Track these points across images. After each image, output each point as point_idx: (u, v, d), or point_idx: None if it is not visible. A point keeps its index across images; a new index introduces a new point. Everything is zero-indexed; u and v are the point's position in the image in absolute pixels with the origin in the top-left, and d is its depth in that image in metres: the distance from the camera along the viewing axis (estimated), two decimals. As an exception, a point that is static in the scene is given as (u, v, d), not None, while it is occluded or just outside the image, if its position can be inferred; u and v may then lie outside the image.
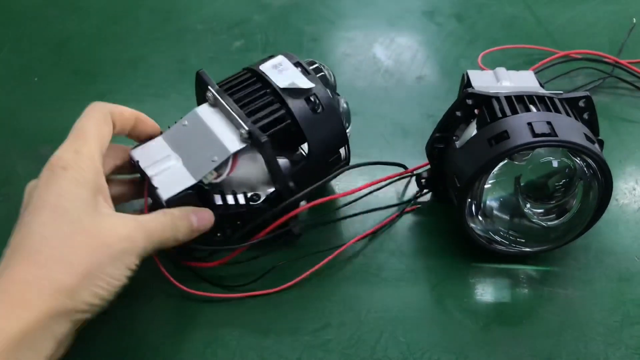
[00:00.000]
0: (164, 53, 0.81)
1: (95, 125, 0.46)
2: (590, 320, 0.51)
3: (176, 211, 0.48)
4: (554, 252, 0.55)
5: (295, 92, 0.51)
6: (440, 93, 0.75)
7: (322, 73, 0.56)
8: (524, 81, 0.59)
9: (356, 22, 0.87)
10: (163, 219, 0.46)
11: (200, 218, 0.49)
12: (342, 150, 0.55)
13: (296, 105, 0.51)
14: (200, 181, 0.49)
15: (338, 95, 0.59)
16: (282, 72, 0.52)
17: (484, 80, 0.59)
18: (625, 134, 0.70)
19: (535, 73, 0.72)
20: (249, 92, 0.52)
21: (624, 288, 0.54)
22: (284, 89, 0.51)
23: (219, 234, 0.52)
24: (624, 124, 0.71)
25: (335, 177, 0.54)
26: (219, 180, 0.50)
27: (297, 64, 0.53)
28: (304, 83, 0.51)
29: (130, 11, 0.89)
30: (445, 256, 0.56)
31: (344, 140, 0.54)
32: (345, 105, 0.59)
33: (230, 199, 0.51)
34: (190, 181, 0.49)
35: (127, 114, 0.50)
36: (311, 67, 0.55)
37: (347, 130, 0.57)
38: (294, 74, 0.52)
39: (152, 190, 0.49)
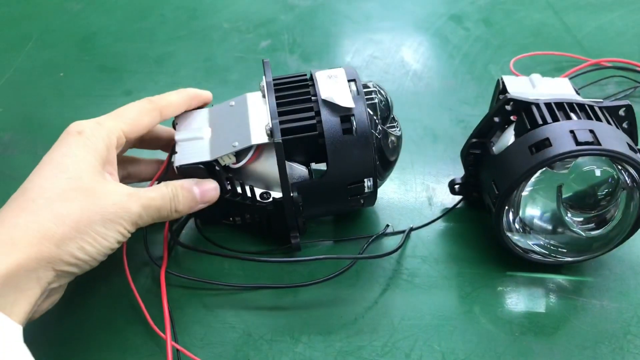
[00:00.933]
0: (190, 51, 0.80)
1: (136, 111, 0.49)
2: (627, 332, 0.50)
3: (178, 182, 0.49)
4: (588, 262, 0.55)
5: (334, 107, 0.50)
6: (470, 98, 0.74)
7: (372, 98, 0.54)
8: (560, 88, 0.58)
9: (383, 25, 0.86)
10: (163, 189, 0.47)
11: (203, 190, 0.50)
12: (368, 182, 0.52)
13: (329, 120, 0.49)
14: (216, 160, 0.50)
15: (394, 123, 0.57)
16: (332, 84, 0.51)
17: (520, 87, 0.58)
18: (657, 144, 0.69)
19: (567, 80, 0.72)
20: (293, 93, 0.51)
21: (662, 300, 0.53)
22: (324, 101, 0.50)
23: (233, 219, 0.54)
24: (656, 134, 0.70)
25: (338, 212, 0.54)
26: (236, 166, 0.51)
27: (351, 81, 0.52)
28: (344, 101, 0.49)
29: (155, 7, 0.88)
30: (478, 263, 0.55)
31: (369, 172, 0.51)
32: (395, 137, 0.56)
33: (238, 188, 0.51)
34: (205, 157, 0.50)
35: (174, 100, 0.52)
36: (365, 89, 0.53)
37: (392, 159, 0.56)
38: (340, 89, 0.51)
39: (172, 154, 0.51)
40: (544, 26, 0.87)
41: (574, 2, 0.93)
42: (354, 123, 0.49)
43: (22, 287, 0.39)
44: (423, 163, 0.64)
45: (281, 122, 0.49)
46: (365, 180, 0.51)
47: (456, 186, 0.59)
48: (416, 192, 0.61)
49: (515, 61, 0.75)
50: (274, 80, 0.52)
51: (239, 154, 0.50)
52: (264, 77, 0.52)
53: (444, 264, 0.55)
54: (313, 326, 0.50)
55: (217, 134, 0.51)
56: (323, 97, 0.50)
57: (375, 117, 0.52)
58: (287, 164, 0.49)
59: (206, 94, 0.55)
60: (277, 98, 0.50)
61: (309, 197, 0.51)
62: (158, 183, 0.50)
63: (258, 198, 0.52)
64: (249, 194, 0.52)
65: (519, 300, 0.53)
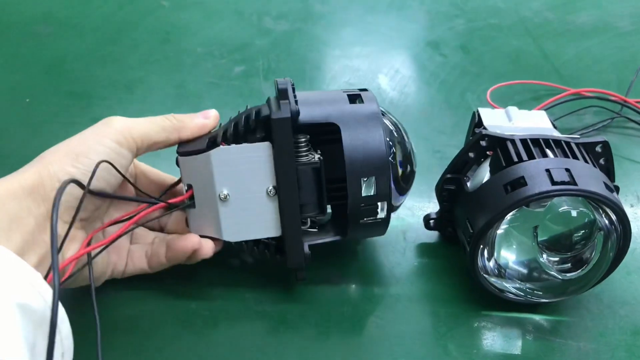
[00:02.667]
0: (161, 76, 0.78)
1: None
2: (606, 376, 0.49)
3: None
4: (565, 301, 0.53)
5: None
6: (446, 127, 0.73)
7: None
8: (537, 121, 0.58)
9: (360, 51, 0.85)
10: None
11: (205, 113, 0.51)
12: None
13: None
14: None
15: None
16: None
17: (495, 120, 0.57)
18: (635, 176, 0.68)
19: (545, 110, 0.71)
20: None
21: (639, 342, 0.52)
22: None
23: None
24: (633, 165, 0.69)
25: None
26: None
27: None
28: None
29: (127, 31, 0.87)
30: (453, 302, 0.54)
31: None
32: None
33: None
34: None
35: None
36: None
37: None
38: None
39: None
40: (522, 53, 0.87)
41: (553, 29, 0.92)
42: None
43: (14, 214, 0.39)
44: (398, 195, 0.62)
45: None
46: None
47: (431, 221, 0.57)
48: (391, 227, 0.59)
49: (492, 90, 0.74)
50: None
51: None
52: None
53: (418, 302, 0.54)
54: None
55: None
56: None
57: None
58: None
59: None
60: None
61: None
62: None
63: None
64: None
65: (494, 341, 0.51)
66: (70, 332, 0.36)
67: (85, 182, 0.42)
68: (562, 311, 0.53)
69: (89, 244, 0.45)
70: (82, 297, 0.45)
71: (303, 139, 0.48)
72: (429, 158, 0.68)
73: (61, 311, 0.35)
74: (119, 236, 0.45)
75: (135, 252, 0.51)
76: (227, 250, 0.55)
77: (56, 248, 0.35)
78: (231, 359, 0.49)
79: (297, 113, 0.46)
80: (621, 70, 0.83)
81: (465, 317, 0.53)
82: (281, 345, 0.50)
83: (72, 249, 0.44)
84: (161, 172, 0.55)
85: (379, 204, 0.49)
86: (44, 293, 0.34)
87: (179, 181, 0.51)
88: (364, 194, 0.48)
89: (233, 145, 0.47)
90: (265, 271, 0.55)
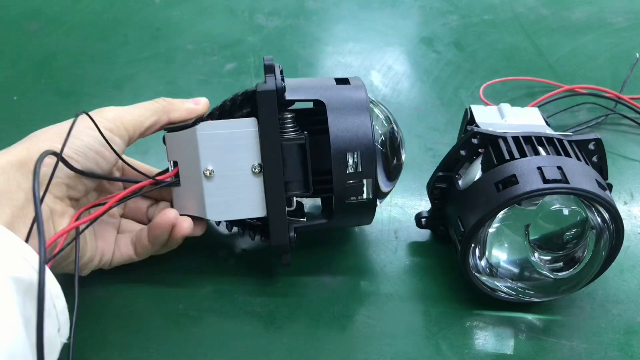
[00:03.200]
0: (152, 73, 0.77)
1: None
2: (598, 376, 0.49)
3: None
4: (558, 300, 0.53)
5: None
6: (439, 125, 0.72)
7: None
8: (530, 118, 0.57)
9: (353, 47, 0.85)
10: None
11: (195, 100, 0.52)
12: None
13: None
14: None
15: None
16: None
17: (488, 117, 0.56)
18: (629, 173, 0.67)
19: (539, 107, 0.70)
20: None
21: (632, 341, 0.51)
22: None
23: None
24: (627, 162, 0.69)
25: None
26: None
27: None
28: None
29: (118, 27, 0.86)
30: (444, 301, 0.53)
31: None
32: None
33: None
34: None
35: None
36: None
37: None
38: None
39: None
40: (516, 50, 0.86)
41: (547, 25, 0.91)
42: None
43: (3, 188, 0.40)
44: (391, 194, 0.62)
45: None
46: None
47: (423, 220, 0.57)
48: (382, 225, 0.59)
49: (486, 87, 0.74)
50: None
51: None
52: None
53: (409, 301, 0.53)
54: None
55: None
56: None
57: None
58: None
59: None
60: None
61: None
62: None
63: None
64: None
65: (486, 341, 0.51)
66: (65, 308, 0.37)
67: (73, 162, 0.44)
68: (555, 310, 0.53)
69: (77, 219, 0.45)
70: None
71: (289, 116, 0.48)
72: (422, 155, 0.67)
73: (56, 287, 0.37)
74: (108, 209, 0.45)
75: (121, 239, 0.52)
76: (216, 245, 0.54)
77: (40, 216, 0.34)
78: (219, 357, 0.48)
79: (283, 88, 0.46)
80: (616, 67, 0.82)
81: (457, 316, 0.52)
82: (270, 344, 0.49)
83: (63, 224, 0.44)
84: (150, 166, 0.55)
85: (365, 181, 0.48)
86: (37, 266, 0.34)
87: (166, 170, 0.51)
88: (349, 170, 0.48)
89: (218, 120, 0.48)
90: (255, 270, 0.55)
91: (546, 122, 0.56)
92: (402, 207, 0.61)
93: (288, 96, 0.47)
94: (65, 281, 0.44)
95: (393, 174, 0.54)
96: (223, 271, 0.55)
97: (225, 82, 0.76)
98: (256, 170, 0.48)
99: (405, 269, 0.56)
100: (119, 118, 0.48)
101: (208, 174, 0.48)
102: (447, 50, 0.85)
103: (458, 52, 0.84)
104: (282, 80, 0.47)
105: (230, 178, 0.48)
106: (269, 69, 0.47)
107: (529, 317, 0.52)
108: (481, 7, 0.94)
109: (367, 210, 0.51)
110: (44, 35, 0.83)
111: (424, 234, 0.59)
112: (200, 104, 0.52)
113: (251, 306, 0.52)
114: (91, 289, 0.52)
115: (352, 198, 0.49)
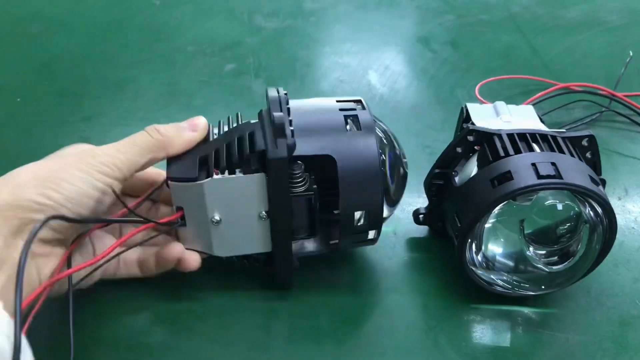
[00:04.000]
0: (153, 75, 0.78)
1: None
2: (592, 367, 0.50)
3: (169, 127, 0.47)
4: (554, 293, 0.54)
5: None
6: (436, 123, 0.73)
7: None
8: (524, 116, 0.58)
9: (351, 48, 0.86)
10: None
11: (193, 125, 0.48)
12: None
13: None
14: None
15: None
16: None
17: (483, 115, 0.57)
18: (623, 169, 0.68)
19: (534, 104, 0.71)
20: None
21: (626, 333, 0.52)
22: None
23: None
24: (622, 159, 0.70)
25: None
26: None
27: None
28: None
29: (119, 29, 0.87)
30: (442, 295, 0.54)
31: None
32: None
33: None
34: None
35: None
36: None
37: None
38: None
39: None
40: (512, 49, 0.87)
41: (542, 24, 0.93)
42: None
43: None
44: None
45: None
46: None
47: (420, 216, 0.58)
48: (381, 222, 0.60)
49: (481, 85, 0.75)
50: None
51: None
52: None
53: (408, 296, 0.54)
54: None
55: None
56: None
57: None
58: None
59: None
60: None
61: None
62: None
63: None
64: None
65: (483, 334, 0.52)
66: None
67: (66, 210, 0.41)
68: (550, 304, 0.54)
69: (68, 261, 0.44)
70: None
71: (298, 171, 0.47)
72: (419, 153, 0.69)
73: (29, 356, 0.33)
74: (106, 261, 0.45)
75: (127, 257, 0.50)
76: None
77: (20, 290, 0.33)
78: (221, 355, 0.49)
79: (294, 147, 0.45)
80: (610, 65, 0.84)
81: (455, 310, 0.53)
82: (271, 339, 0.50)
83: (49, 266, 0.42)
84: (161, 170, 0.53)
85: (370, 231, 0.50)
86: (6, 331, 0.32)
87: (161, 185, 0.51)
88: (356, 224, 0.49)
89: (227, 176, 0.46)
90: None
91: (541, 120, 0.57)
92: (401, 204, 0.62)
93: (298, 148, 0.46)
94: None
95: (395, 200, 0.55)
96: (225, 272, 0.56)
97: (226, 83, 0.77)
98: (263, 217, 0.48)
99: (403, 265, 0.57)
100: (112, 160, 0.44)
101: (215, 222, 0.48)
102: (443, 50, 0.86)
103: (454, 52, 0.86)
104: (292, 133, 0.46)
105: (237, 224, 0.48)
106: (279, 132, 0.45)
107: (525, 310, 0.53)
108: (477, 6, 0.96)
109: (371, 242, 0.52)
110: (45, 37, 0.84)
111: (422, 230, 0.60)
112: (198, 130, 0.48)
113: (254, 301, 0.53)
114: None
115: (356, 241, 0.51)
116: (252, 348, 0.50)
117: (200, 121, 0.49)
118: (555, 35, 0.90)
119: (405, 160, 0.55)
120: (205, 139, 0.49)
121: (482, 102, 0.70)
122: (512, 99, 0.76)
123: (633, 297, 0.55)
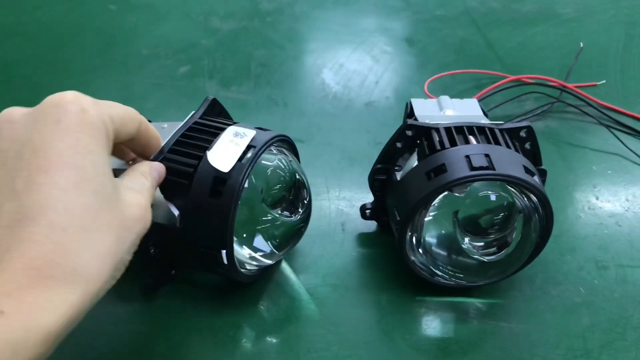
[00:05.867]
0: (107, 80, 0.79)
1: (124, 111, 0.39)
2: (534, 354, 0.50)
3: (143, 169, 0.42)
4: (499, 283, 0.54)
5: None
6: (389, 119, 0.74)
7: (264, 172, 0.50)
8: (468, 109, 0.59)
9: (307, 47, 0.86)
10: (146, 182, 0.41)
11: (158, 171, 0.44)
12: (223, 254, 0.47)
13: (203, 176, 0.46)
14: None
15: (297, 208, 0.54)
16: (228, 142, 0.47)
17: (427, 109, 0.58)
18: (572, 159, 0.69)
19: (485, 97, 0.72)
20: (198, 136, 0.48)
21: (568, 320, 0.53)
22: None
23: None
24: (572, 149, 0.71)
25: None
26: None
27: (251, 147, 0.47)
28: (221, 164, 0.46)
29: (75, 35, 0.87)
30: (388, 289, 0.55)
31: (222, 243, 0.46)
32: (284, 221, 0.52)
33: None
34: None
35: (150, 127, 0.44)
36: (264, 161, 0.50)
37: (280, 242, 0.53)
38: (230, 151, 0.47)
39: None
40: (467, 43, 0.88)
41: (497, 18, 0.94)
42: (224, 190, 0.45)
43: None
44: (338, 188, 0.64)
45: (168, 160, 0.46)
46: (222, 251, 0.47)
47: (367, 211, 0.58)
48: (330, 218, 0.61)
49: (434, 80, 0.75)
50: (201, 118, 0.50)
51: None
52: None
53: (354, 291, 0.55)
54: (215, 364, 0.49)
55: None
56: (208, 152, 0.46)
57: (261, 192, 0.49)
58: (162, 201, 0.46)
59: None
60: (183, 135, 0.48)
61: (169, 244, 0.49)
62: None
63: None
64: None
65: (427, 326, 0.52)
66: None
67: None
68: (496, 294, 0.55)
69: None
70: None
71: None
72: (371, 149, 0.69)
73: None
74: None
75: None
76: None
77: None
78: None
79: None
80: (563, 57, 0.85)
81: (401, 303, 0.54)
82: (217, 335, 0.51)
83: None
84: None
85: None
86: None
87: None
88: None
89: None
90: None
91: (484, 113, 0.58)
92: (350, 200, 0.63)
93: None
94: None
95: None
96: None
97: (179, 85, 0.77)
98: None
99: (351, 260, 0.57)
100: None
101: None
102: (398, 47, 0.87)
103: (409, 48, 0.86)
104: None
105: None
106: None
107: (471, 301, 0.54)
108: (433, 3, 0.97)
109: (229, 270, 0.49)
110: (0, 45, 0.84)
111: (370, 226, 0.60)
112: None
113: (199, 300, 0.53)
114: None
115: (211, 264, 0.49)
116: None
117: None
118: (510, 29, 0.91)
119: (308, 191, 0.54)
120: None
121: (429, 97, 0.71)
122: (465, 93, 0.77)
123: (577, 285, 0.56)
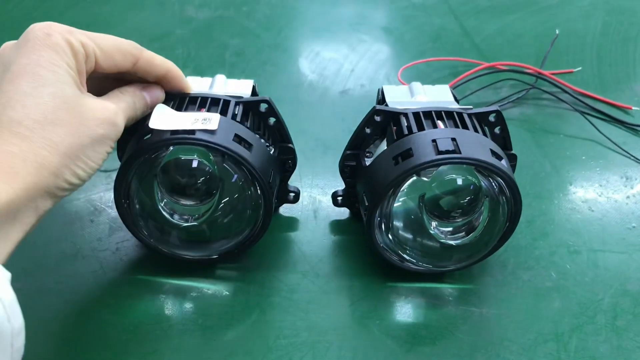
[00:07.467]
0: (79, 70, 0.78)
1: (113, 43, 0.47)
2: (504, 339, 0.50)
3: (130, 89, 0.47)
4: (470, 269, 0.54)
5: None
6: (364, 107, 0.71)
7: None
8: (439, 95, 0.58)
9: (283, 35, 0.86)
10: (128, 98, 0.46)
11: (152, 94, 0.48)
12: None
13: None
14: None
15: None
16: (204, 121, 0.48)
17: (398, 96, 0.58)
18: (547, 145, 0.69)
19: (461, 84, 0.72)
20: None
21: (539, 304, 0.53)
22: None
23: None
24: (547, 136, 0.71)
25: None
26: None
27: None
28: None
29: (48, 26, 0.86)
30: (358, 276, 0.54)
31: None
32: None
33: None
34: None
35: (157, 63, 0.49)
36: None
37: None
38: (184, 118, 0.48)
39: None
40: (443, 31, 0.88)
41: (475, 6, 0.93)
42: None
43: (19, 219, 0.38)
44: (312, 175, 0.63)
45: None
46: None
47: (339, 198, 0.58)
48: (302, 205, 0.61)
49: (408, 68, 0.75)
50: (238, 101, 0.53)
51: None
52: None
53: (324, 278, 0.54)
54: (184, 351, 0.49)
55: None
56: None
57: None
58: None
59: (186, 86, 0.51)
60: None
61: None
62: None
63: None
64: None
65: (398, 312, 0.52)
66: (22, 346, 0.35)
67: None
68: (467, 280, 0.54)
69: None
70: None
71: None
72: (345, 137, 0.66)
73: (19, 322, 0.34)
74: None
75: None
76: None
77: None
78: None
79: None
80: (540, 44, 0.85)
81: (370, 290, 0.53)
82: (184, 325, 0.50)
83: None
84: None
85: None
86: (8, 308, 0.33)
87: None
88: None
89: None
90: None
91: (455, 98, 0.58)
92: (323, 187, 0.63)
93: None
94: None
95: None
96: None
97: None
98: None
99: (323, 247, 0.57)
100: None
101: None
102: (375, 35, 0.86)
103: (386, 37, 0.86)
104: None
105: None
106: None
107: (443, 287, 0.54)
108: (411, -10, 0.96)
109: None
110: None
111: (342, 213, 0.60)
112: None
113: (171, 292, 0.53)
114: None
115: None
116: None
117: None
118: (487, 16, 0.91)
119: None
120: None
121: (402, 84, 0.71)
122: (440, 81, 0.76)
123: (549, 270, 0.56)
